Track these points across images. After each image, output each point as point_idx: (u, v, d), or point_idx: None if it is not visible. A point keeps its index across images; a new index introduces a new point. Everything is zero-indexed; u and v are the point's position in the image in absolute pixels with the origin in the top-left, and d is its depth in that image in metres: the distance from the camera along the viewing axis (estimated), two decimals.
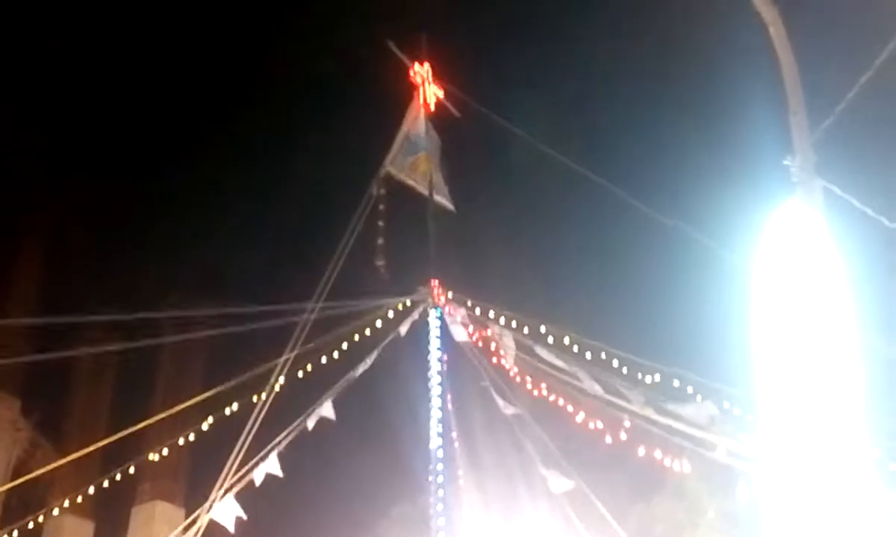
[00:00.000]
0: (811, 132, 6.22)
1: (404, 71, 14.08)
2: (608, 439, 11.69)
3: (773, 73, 6.32)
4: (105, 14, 25.02)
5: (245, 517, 12.12)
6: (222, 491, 12.14)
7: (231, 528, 12.13)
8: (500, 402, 12.43)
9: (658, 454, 11.54)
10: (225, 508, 12.04)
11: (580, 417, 12.09)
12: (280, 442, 12.37)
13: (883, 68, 5.99)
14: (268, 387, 12.33)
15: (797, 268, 6.28)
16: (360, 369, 12.88)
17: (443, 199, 14.00)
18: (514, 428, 12.64)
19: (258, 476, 12.22)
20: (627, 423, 11.46)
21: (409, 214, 14.05)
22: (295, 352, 12.54)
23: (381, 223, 13.19)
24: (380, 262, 13.02)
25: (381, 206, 13.25)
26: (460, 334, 12.88)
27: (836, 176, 6.23)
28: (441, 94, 14.11)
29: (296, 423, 12.58)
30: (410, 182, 13.83)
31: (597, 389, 11.90)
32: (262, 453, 12.32)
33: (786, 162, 6.28)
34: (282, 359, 12.44)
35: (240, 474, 12.24)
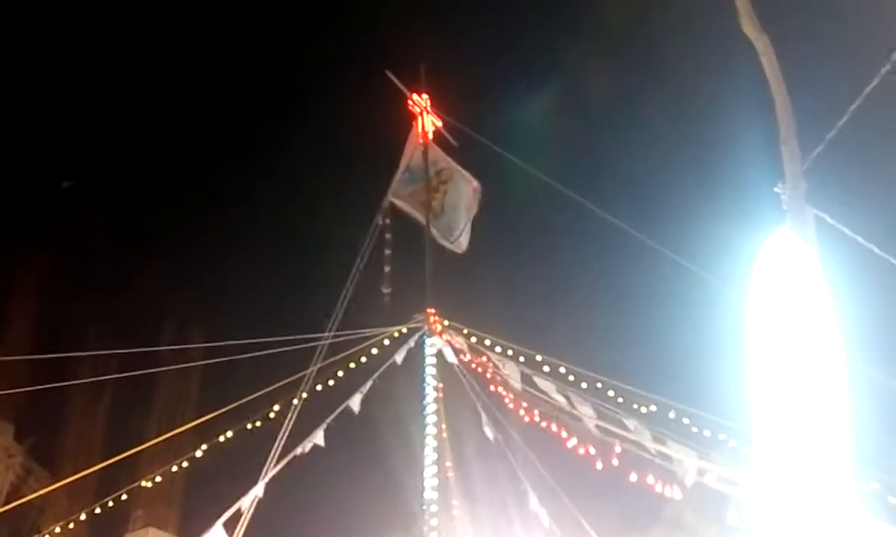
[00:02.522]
0: (802, 160, 6.25)
1: (404, 101, 14.18)
2: (599, 465, 11.65)
3: (765, 102, 6.36)
4: (97, 51, 25.21)
5: None
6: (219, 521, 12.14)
7: None
8: (487, 430, 12.40)
9: (650, 480, 11.50)
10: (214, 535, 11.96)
11: (572, 443, 12.06)
12: (271, 469, 12.30)
13: (873, 96, 6.03)
14: (293, 406, 12.39)
15: (788, 298, 6.29)
16: (356, 397, 12.86)
17: (443, 238, 14.11)
18: (507, 454, 12.62)
19: (247, 502, 12.16)
20: (618, 449, 11.42)
21: (408, 244, 14.12)
22: (294, 378, 12.62)
23: (388, 251, 13.34)
24: (386, 290, 13.15)
25: (388, 235, 13.41)
26: (455, 361, 12.90)
27: (826, 203, 6.26)
28: (440, 123, 14.19)
29: (289, 455, 12.53)
30: (410, 211, 13.92)
31: (591, 414, 11.89)
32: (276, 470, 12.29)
33: (777, 189, 6.30)
34: (298, 379, 12.55)
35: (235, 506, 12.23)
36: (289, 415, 12.39)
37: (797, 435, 6.30)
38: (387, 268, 13.29)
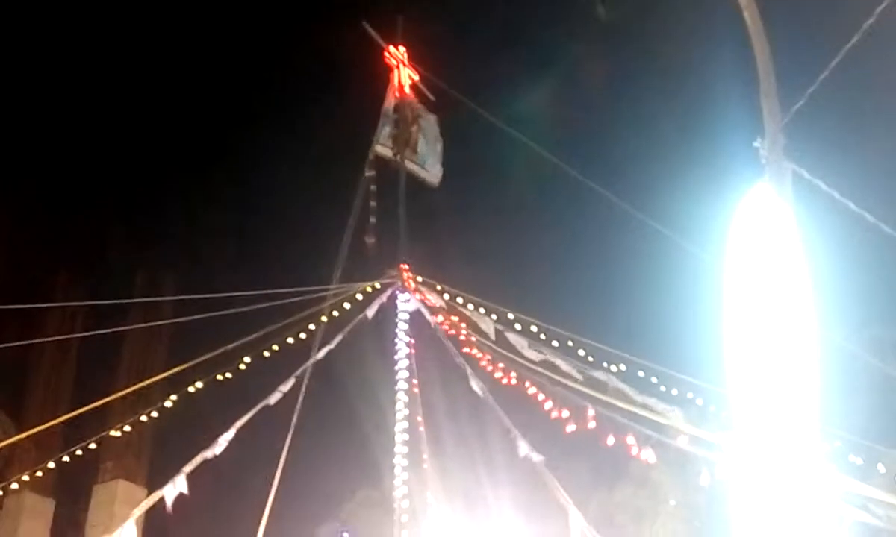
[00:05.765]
0: (782, 115, 6.25)
1: (381, 53, 14.07)
2: (573, 427, 11.71)
3: (746, 56, 6.36)
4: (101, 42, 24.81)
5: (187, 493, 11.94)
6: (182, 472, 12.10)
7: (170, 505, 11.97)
8: (475, 384, 12.38)
9: (624, 441, 11.58)
10: (177, 486, 11.90)
11: (548, 405, 12.11)
12: (240, 421, 12.27)
13: (854, 52, 6.04)
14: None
15: (763, 257, 6.30)
16: (325, 351, 12.86)
17: (422, 170, 14.04)
18: (481, 406, 12.65)
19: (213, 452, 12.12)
20: (592, 412, 11.48)
21: (383, 201, 14.06)
22: (265, 332, 12.60)
23: (372, 203, 13.30)
24: (370, 240, 13.15)
25: (373, 187, 13.37)
26: (429, 317, 12.92)
27: (805, 159, 6.28)
28: (416, 77, 14.10)
29: (257, 406, 12.51)
30: (390, 155, 13.84)
31: (569, 371, 11.95)
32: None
33: (755, 144, 6.31)
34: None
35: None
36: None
37: (768, 394, 6.35)
38: (373, 219, 13.27)
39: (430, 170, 14.12)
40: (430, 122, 14.17)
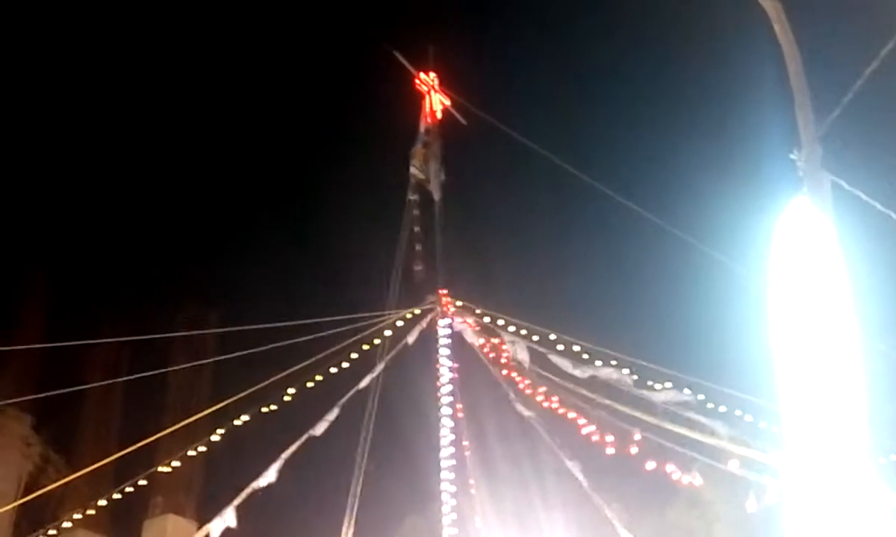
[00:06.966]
0: (818, 125, 6.15)
1: (412, 80, 14.14)
2: (615, 451, 11.59)
3: (779, 67, 6.28)
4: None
5: (235, 526, 11.97)
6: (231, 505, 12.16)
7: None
8: (519, 406, 12.31)
9: (670, 467, 11.42)
10: (226, 519, 11.98)
11: (591, 428, 12.01)
12: (287, 451, 12.33)
13: (890, 58, 5.92)
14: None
15: (806, 271, 6.19)
16: (367, 379, 12.88)
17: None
18: (526, 429, 12.57)
19: (261, 484, 12.17)
20: (638, 436, 11.35)
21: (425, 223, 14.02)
22: (310, 362, 12.66)
23: (416, 228, 13.29)
24: (418, 268, 13.15)
25: (416, 212, 13.35)
26: (470, 342, 12.89)
27: (843, 169, 6.17)
28: (448, 102, 14.14)
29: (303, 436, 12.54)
30: (417, 175, 13.84)
31: (625, 381, 11.80)
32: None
33: (792, 156, 6.21)
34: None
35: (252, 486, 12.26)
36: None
37: (817, 411, 6.21)
38: (418, 247, 13.27)
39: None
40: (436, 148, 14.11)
